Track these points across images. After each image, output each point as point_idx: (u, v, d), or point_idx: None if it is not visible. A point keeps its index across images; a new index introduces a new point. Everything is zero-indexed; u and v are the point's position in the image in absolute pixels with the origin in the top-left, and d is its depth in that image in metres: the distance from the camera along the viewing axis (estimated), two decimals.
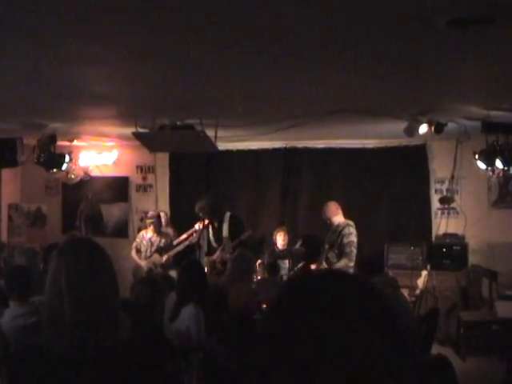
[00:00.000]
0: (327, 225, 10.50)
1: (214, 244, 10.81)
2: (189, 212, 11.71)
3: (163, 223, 11.86)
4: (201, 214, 10.60)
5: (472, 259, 10.83)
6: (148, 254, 11.32)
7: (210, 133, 8.55)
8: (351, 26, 4.60)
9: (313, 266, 10.38)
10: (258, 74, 6.31)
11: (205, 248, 10.91)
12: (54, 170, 10.76)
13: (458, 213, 11.56)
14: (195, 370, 5.24)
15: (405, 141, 11.00)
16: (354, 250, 9.93)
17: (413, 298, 9.54)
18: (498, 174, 9.99)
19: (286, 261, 10.65)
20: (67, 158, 10.80)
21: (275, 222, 12.19)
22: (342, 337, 1.35)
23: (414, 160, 11.79)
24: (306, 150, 12.36)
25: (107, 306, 2.76)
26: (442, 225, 11.62)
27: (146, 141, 9.23)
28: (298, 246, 10.81)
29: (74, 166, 12.07)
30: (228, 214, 10.84)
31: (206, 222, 10.68)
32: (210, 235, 10.89)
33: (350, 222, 10.19)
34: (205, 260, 10.37)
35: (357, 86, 6.90)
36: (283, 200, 12.52)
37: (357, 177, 12.10)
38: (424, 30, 4.64)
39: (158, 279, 7.80)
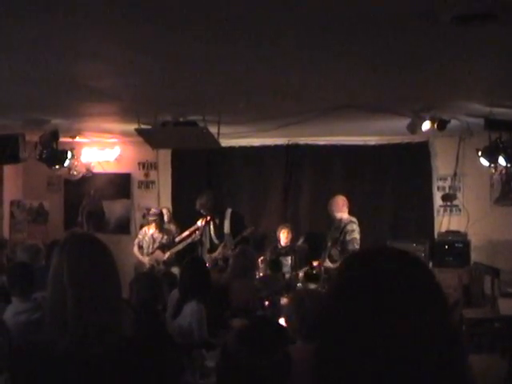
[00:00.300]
0: (330, 219, 10.47)
1: (215, 241, 10.80)
2: (191, 208, 11.70)
3: (166, 220, 11.85)
4: (202, 211, 10.60)
5: (474, 256, 10.81)
6: (150, 250, 11.31)
7: (213, 129, 8.55)
8: (354, 22, 4.59)
9: (315, 263, 10.37)
10: (260, 70, 6.31)
11: (207, 245, 10.91)
12: (57, 167, 10.75)
13: (460, 210, 11.56)
14: (198, 366, 5.23)
15: (407, 138, 11.00)
16: (357, 247, 9.90)
17: None
18: (501, 171, 9.98)
19: (289, 258, 10.65)
20: (69, 155, 10.78)
21: (277, 218, 12.17)
22: (406, 308, 1.45)
23: (417, 157, 11.79)
24: (307, 146, 12.34)
25: (110, 302, 2.76)
26: (445, 222, 11.62)
27: (149, 137, 9.22)
28: (300, 242, 10.81)
29: (76, 163, 12.06)
30: (229, 211, 10.83)
31: (208, 218, 10.68)
32: (212, 232, 10.88)
33: (353, 219, 10.16)
34: (206, 257, 10.37)
35: (359, 82, 6.90)
36: (285, 197, 12.50)
37: (359, 174, 12.09)
38: (428, 26, 4.63)
39: (156, 275, 7.82)
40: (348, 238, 9.95)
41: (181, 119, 8.71)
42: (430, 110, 8.36)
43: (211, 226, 10.88)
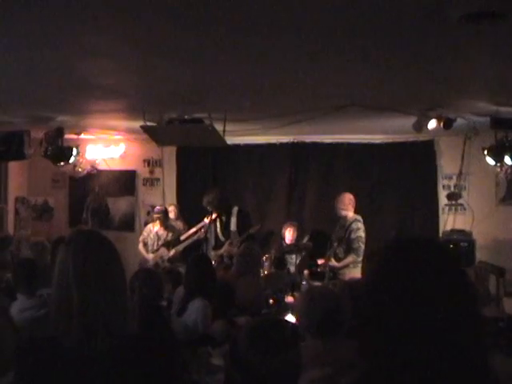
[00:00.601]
0: (336, 217, 10.46)
1: (221, 238, 10.80)
2: (195, 206, 11.72)
3: (173, 216, 11.86)
4: (209, 208, 10.60)
5: (479, 256, 10.79)
6: (155, 247, 11.33)
7: (219, 127, 8.54)
8: (361, 20, 4.57)
9: (320, 261, 10.36)
10: (266, 68, 6.29)
11: (212, 242, 10.92)
12: (62, 164, 10.76)
13: (465, 209, 11.55)
14: (203, 363, 5.23)
15: (412, 136, 11.00)
16: (362, 246, 9.90)
17: None
18: (506, 170, 9.96)
19: (294, 255, 10.65)
20: (75, 151, 10.80)
21: (282, 216, 12.19)
22: (440, 292, 1.67)
23: (422, 156, 11.78)
24: (313, 144, 12.34)
25: (115, 299, 2.76)
26: (450, 221, 11.61)
27: (154, 134, 9.22)
28: (305, 240, 10.80)
29: (81, 160, 12.08)
30: (236, 209, 10.84)
31: (214, 215, 10.68)
32: (218, 229, 10.88)
33: (358, 217, 10.15)
34: (212, 254, 10.37)
35: (366, 81, 6.88)
36: (290, 195, 12.51)
37: (364, 172, 12.08)
38: (436, 24, 4.62)
39: (155, 271, 7.81)
40: (353, 236, 9.94)
41: (186, 116, 8.69)
42: (436, 108, 8.34)
43: (217, 223, 10.88)
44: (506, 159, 8.86)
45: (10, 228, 12.88)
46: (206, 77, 6.71)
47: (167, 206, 12.07)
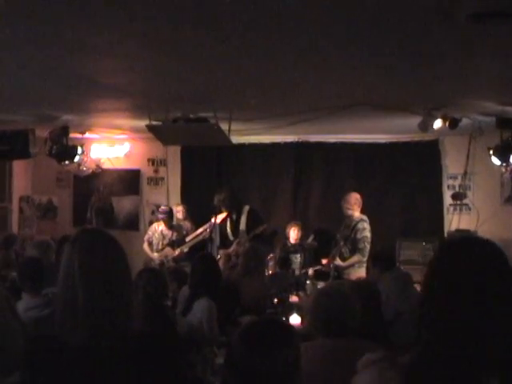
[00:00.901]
0: (341, 217, 10.46)
1: (230, 237, 10.84)
2: (200, 205, 11.76)
3: (181, 216, 11.86)
4: (220, 206, 10.63)
5: None
6: (159, 247, 11.33)
7: (224, 126, 8.53)
8: (367, 19, 4.56)
9: (324, 261, 10.36)
10: (272, 67, 6.28)
11: (217, 242, 10.94)
12: (66, 162, 10.76)
13: (470, 209, 11.54)
14: (209, 363, 5.23)
15: (417, 136, 10.99)
16: (368, 246, 9.90)
17: None
18: (511, 170, 9.95)
19: (298, 255, 10.65)
20: (79, 150, 10.80)
21: (286, 215, 12.17)
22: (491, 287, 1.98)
23: (427, 155, 11.76)
24: (318, 144, 12.34)
25: (121, 297, 2.76)
26: (454, 221, 11.59)
27: (159, 133, 9.21)
28: (310, 240, 10.79)
29: (85, 159, 12.08)
30: (247, 208, 10.88)
31: (223, 215, 10.73)
32: (228, 228, 10.91)
33: (364, 217, 10.15)
34: (220, 252, 10.40)
35: (371, 80, 6.87)
36: (295, 194, 12.50)
37: (369, 172, 12.07)
38: (443, 23, 4.61)
39: (159, 269, 7.81)
40: (359, 236, 9.95)
41: (191, 116, 8.69)
42: (441, 108, 8.33)
43: (228, 222, 10.91)
44: None
45: (15, 227, 12.88)
46: (211, 76, 6.70)
47: (175, 207, 12.08)
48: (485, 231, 10.93)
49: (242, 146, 12.14)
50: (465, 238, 2.34)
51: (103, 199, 13.30)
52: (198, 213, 11.89)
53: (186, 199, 12.73)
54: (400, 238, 11.25)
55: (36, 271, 6.23)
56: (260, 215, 11.08)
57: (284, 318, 7.08)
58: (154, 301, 5.65)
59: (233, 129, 8.76)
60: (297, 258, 10.65)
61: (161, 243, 11.35)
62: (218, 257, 10.46)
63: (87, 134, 11.75)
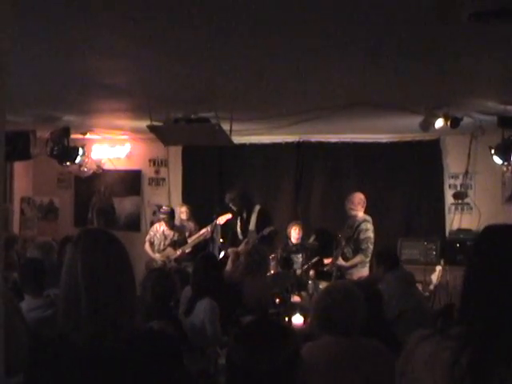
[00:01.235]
0: (344, 217, 10.46)
1: (240, 236, 10.86)
2: (201, 205, 11.77)
3: (185, 217, 11.86)
4: (231, 205, 10.67)
5: None
6: (161, 247, 11.33)
7: (225, 126, 8.53)
8: (368, 18, 4.55)
9: (326, 261, 10.36)
10: (273, 67, 6.28)
11: (218, 242, 10.96)
12: (68, 163, 10.76)
13: (471, 208, 11.53)
14: (212, 363, 5.23)
15: (418, 135, 10.99)
16: (371, 246, 9.89)
17: (427, 293, 9.50)
18: None
19: (299, 255, 10.64)
20: (81, 151, 10.80)
21: (288, 216, 12.16)
22: None
23: (428, 155, 11.75)
24: (319, 143, 12.34)
25: (124, 297, 2.76)
26: (456, 220, 11.59)
27: (161, 134, 9.21)
28: (311, 240, 10.79)
29: (86, 160, 12.08)
30: (257, 207, 10.92)
31: (225, 216, 10.78)
32: (238, 227, 10.93)
33: (368, 218, 10.14)
34: (229, 251, 10.44)
35: (373, 79, 6.86)
36: (296, 194, 12.51)
37: (370, 171, 12.06)
38: (445, 23, 4.60)
39: (169, 271, 7.80)
40: (362, 236, 9.93)
41: (193, 116, 8.68)
42: (442, 107, 8.33)
43: (238, 221, 10.94)
44: None
45: (16, 228, 12.88)
46: (212, 76, 6.70)
47: (179, 207, 12.10)
48: None
49: (243, 146, 12.13)
50: (505, 226, 2.56)
51: (104, 200, 13.30)
52: (199, 213, 11.92)
53: (187, 200, 12.73)
54: (401, 237, 11.28)
55: (37, 272, 6.23)
56: (270, 216, 11.09)
57: (286, 318, 7.08)
58: (163, 301, 5.63)
59: (234, 129, 8.76)
60: (298, 258, 10.65)
61: (162, 244, 11.35)
62: (220, 257, 10.48)
63: (88, 135, 11.75)
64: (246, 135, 11.43)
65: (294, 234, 11.08)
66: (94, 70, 6.40)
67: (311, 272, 10.18)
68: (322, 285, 9.56)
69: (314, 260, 10.32)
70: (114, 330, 2.68)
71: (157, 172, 13.38)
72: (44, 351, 2.82)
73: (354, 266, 9.91)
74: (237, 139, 10.29)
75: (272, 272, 9.64)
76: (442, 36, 5.00)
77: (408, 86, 7.28)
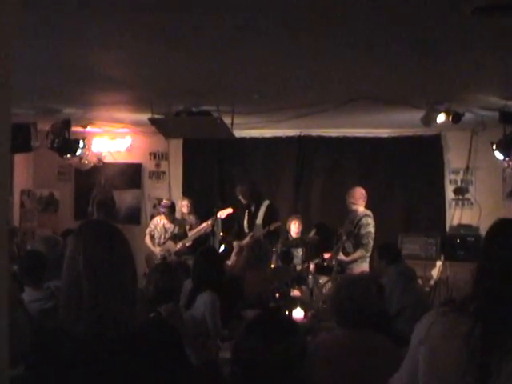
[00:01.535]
0: (345, 211, 10.44)
1: (246, 229, 10.87)
2: (201, 199, 11.76)
3: (186, 211, 11.86)
4: (240, 197, 10.71)
5: None
6: (162, 240, 11.32)
7: (226, 120, 8.53)
8: (370, 12, 4.54)
9: (326, 255, 10.35)
10: (275, 61, 6.28)
11: (219, 235, 10.97)
12: (68, 156, 10.76)
13: (472, 204, 11.53)
14: (213, 357, 5.22)
15: (419, 130, 10.99)
16: (371, 241, 9.86)
17: (427, 289, 9.50)
18: None
19: (300, 249, 10.63)
20: (81, 144, 10.79)
21: (288, 210, 12.15)
22: None
23: (429, 150, 11.76)
24: (319, 138, 12.34)
25: (126, 289, 2.75)
26: (456, 215, 11.60)
27: (162, 127, 9.20)
28: (312, 234, 10.78)
29: (87, 152, 12.08)
30: (266, 202, 10.94)
31: (227, 211, 10.81)
32: (245, 220, 10.95)
33: (369, 213, 10.10)
34: (234, 244, 10.46)
35: (375, 74, 6.86)
36: (296, 188, 12.51)
37: (371, 166, 12.08)
38: (446, 17, 4.59)
39: (174, 265, 7.79)
40: (363, 231, 9.90)
41: (194, 109, 8.68)
42: (444, 102, 8.32)
43: (245, 215, 10.96)
44: None
45: (16, 220, 12.87)
46: (214, 69, 6.69)
47: (180, 201, 12.10)
48: (487, 226, 10.73)
49: (243, 139, 12.12)
50: None
51: (105, 193, 13.27)
52: (199, 207, 11.92)
53: (187, 193, 12.72)
54: (402, 232, 11.28)
55: (38, 264, 6.20)
56: (278, 211, 11.09)
57: (287, 312, 7.07)
58: (167, 294, 5.61)
59: (235, 122, 8.76)
60: (298, 252, 10.64)
61: (163, 237, 11.34)
62: (220, 250, 10.49)
63: (89, 128, 11.75)
64: (247, 129, 11.43)
65: (294, 228, 11.08)
66: (96, 61, 6.39)
67: (311, 266, 10.18)
68: (322, 279, 9.59)
69: (316, 261, 10.34)
70: (115, 322, 2.67)
71: (157, 165, 13.37)
72: (45, 342, 2.81)
73: (355, 260, 9.88)
74: (237, 133, 10.29)
75: (272, 266, 9.63)
76: (444, 30, 5.00)
77: (409, 81, 7.29)
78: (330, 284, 9.27)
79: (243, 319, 6.58)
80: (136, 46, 5.74)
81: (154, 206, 13.05)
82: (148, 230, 11.56)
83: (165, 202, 11.72)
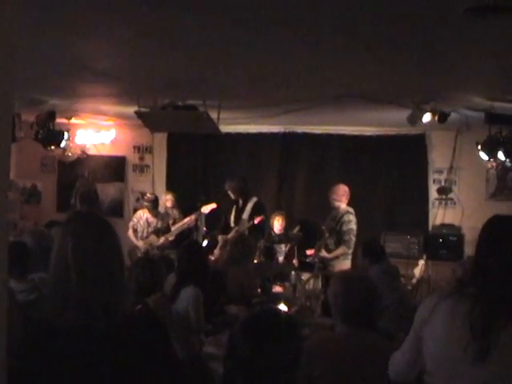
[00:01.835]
0: (327, 208, 10.45)
1: (232, 224, 10.87)
2: (185, 193, 11.74)
3: (170, 205, 11.84)
4: (230, 192, 10.72)
5: (468, 250, 10.77)
6: (145, 234, 11.30)
7: (213, 115, 8.51)
8: (358, 10, 4.54)
9: (309, 252, 10.36)
10: (261, 56, 6.27)
11: (202, 230, 10.97)
12: (52, 147, 10.71)
13: (455, 203, 11.60)
14: (196, 351, 5.20)
15: (404, 129, 11.03)
16: (353, 238, 9.88)
17: (409, 287, 9.53)
18: (498, 165, 9.97)
19: (282, 245, 10.65)
20: (66, 136, 10.74)
21: (271, 206, 12.13)
22: None
23: (413, 149, 11.82)
24: (304, 135, 12.36)
25: (113, 280, 2.75)
26: (439, 215, 11.65)
27: (148, 120, 9.16)
28: (295, 231, 10.78)
29: (71, 144, 12.02)
30: (254, 199, 10.94)
31: (210, 206, 10.83)
32: (232, 215, 10.95)
33: (351, 210, 10.12)
34: (219, 238, 10.47)
35: (362, 72, 6.87)
36: (280, 184, 12.54)
37: (354, 164, 12.12)
38: (437, 18, 4.60)
39: (156, 260, 7.77)
40: (345, 228, 9.91)
41: (180, 103, 8.65)
42: (430, 101, 8.34)
43: (233, 210, 10.98)
44: (500, 154, 8.88)
45: None
46: (200, 62, 6.67)
47: (164, 195, 12.08)
48: (469, 226, 10.96)
49: (228, 135, 12.08)
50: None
51: (88, 185, 13.22)
52: (183, 201, 11.89)
53: (171, 187, 12.71)
54: (385, 230, 11.31)
55: (22, 256, 6.16)
56: (265, 209, 11.09)
57: None
58: (148, 290, 5.59)
59: (220, 117, 8.75)
60: (281, 248, 10.65)
61: (146, 231, 11.32)
62: (204, 244, 10.48)
63: (73, 120, 11.69)
64: (232, 124, 11.41)
65: (277, 224, 11.09)
66: (82, 52, 6.36)
67: (294, 263, 10.20)
68: (305, 276, 9.60)
69: (299, 258, 10.38)
70: (103, 312, 2.67)
71: (141, 159, 13.36)
72: (33, 333, 2.80)
73: (337, 257, 9.90)
74: (223, 128, 10.28)
75: (255, 262, 9.64)
76: (432, 31, 5.01)
77: (395, 80, 7.30)
78: (312, 281, 9.30)
79: (226, 314, 6.59)
80: (123, 37, 5.71)
81: (138, 200, 13.02)
82: (131, 224, 11.52)
83: (148, 195, 11.70)
